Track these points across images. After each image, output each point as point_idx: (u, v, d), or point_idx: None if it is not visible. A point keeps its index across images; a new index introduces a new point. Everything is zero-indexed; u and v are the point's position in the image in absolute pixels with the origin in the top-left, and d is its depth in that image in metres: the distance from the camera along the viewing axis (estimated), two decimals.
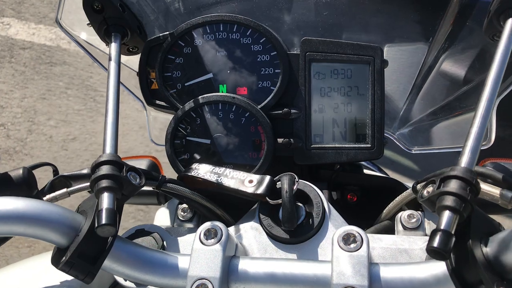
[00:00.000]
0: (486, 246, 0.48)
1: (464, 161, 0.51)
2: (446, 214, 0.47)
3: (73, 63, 3.14)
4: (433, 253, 0.45)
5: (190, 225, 0.71)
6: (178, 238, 0.66)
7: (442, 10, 0.78)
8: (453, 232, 0.46)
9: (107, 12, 0.73)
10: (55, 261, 0.54)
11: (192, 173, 0.69)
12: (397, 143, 0.95)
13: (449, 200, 0.47)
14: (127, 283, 0.64)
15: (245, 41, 0.73)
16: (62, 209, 0.54)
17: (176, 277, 0.56)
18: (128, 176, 0.56)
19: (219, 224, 0.58)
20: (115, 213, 0.51)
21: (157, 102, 0.76)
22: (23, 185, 0.60)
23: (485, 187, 0.57)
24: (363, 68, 0.71)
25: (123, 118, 2.94)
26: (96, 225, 0.50)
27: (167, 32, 0.75)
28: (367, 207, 0.76)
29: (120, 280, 0.65)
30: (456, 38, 0.83)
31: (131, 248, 0.57)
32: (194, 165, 0.70)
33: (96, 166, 0.55)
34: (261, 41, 0.73)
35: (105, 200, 0.52)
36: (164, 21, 0.83)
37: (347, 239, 0.54)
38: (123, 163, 0.56)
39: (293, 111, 0.72)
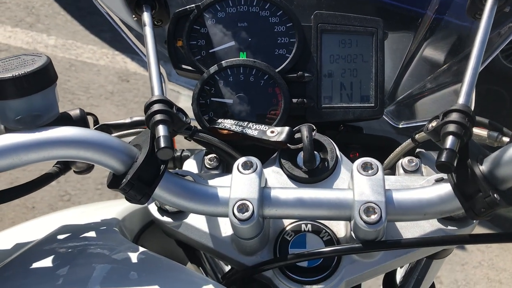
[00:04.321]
0: (481, 164, 0.59)
1: (461, 99, 0.62)
2: (450, 138, 0.57)
3: None
4: (441, 167, 0.56)
5: (216, 172, 0.80)
6: (209, 180, 0.74)
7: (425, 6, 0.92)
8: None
9: None
10: (113, 185, 0.61)
11: (220, 126, 0.78)
12: (386, 118, 1.07)
13: (452, 127, 0.58)
14: (164, 218, 0.72)
15: (263, 13, 0.84)
16: (120, 140, 0.62)
17: (216, 204, 0.64)
18: (178, 113, 0.64)
19: (253, 158, 0.67)
20: (171, 139, 0.59)
21: (184, 66, 0.85)
22: (81, 123, 0.67)
23: (474, 130, 0.69)
24: (367, 38, 0.83)
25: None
26: (157, 149, 0.58)
27: (194, 5, 0.84)
28: None
29: (157, 215, 0.72)
30: (436, 29, 0.96)
31: (177, 179, 0.65)
32: (219, 120, 0.79)
33: (150, 104, 0.63)
34: (278, 13, 0.83)
35: (161, 130, 0.60)
36: None
37: (365, 166, 0.64)
38: (172, 102, 0.65)
39: (306, 74, 0.82)
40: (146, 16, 0.80)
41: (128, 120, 0.76)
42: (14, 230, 0.79)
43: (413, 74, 1.03)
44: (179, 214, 0.72)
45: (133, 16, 0.87)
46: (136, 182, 0.60)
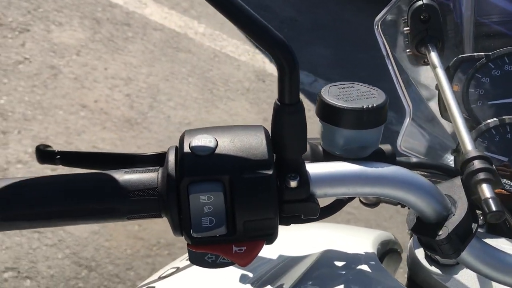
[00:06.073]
0: None
1: None
2: None
3: (197, 53, 3.29)
4: None
5: (480, 231, 0.77)
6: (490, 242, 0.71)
7: None
8: None
9: (431, 23, 0.81)
10: (421, 231, 0.60)
11: (506, 187, 0.75)
12: None
13: None
14: (433, 268, 0.70)
15: None
16: (438, 189, 0.61)
17: None
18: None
19: None
20: (500, 202, 0.57)
21: None
22: (392, 160, 0.66)
23: None
24: None
25: (233, 115, 3.06)
26: (488, 211, 0.56)
27: (483, 53, 0.82)
28: None
29: (425, 263, 0.71)
30: None
31: (478, 240, 0.63)
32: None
33: (471, 159, 0.61)
34: None
35: (488, 191, 0.57)
36: (458, 42, 0.90)
37: None
38: (491, 160, 0.62)
39: None
40: (434, 57, 0.79)
41: None
42: None
43: None
44: (450, 268, 0.70)
45: (408, 50, 0.87)
46: (454, 237, 0.58)
